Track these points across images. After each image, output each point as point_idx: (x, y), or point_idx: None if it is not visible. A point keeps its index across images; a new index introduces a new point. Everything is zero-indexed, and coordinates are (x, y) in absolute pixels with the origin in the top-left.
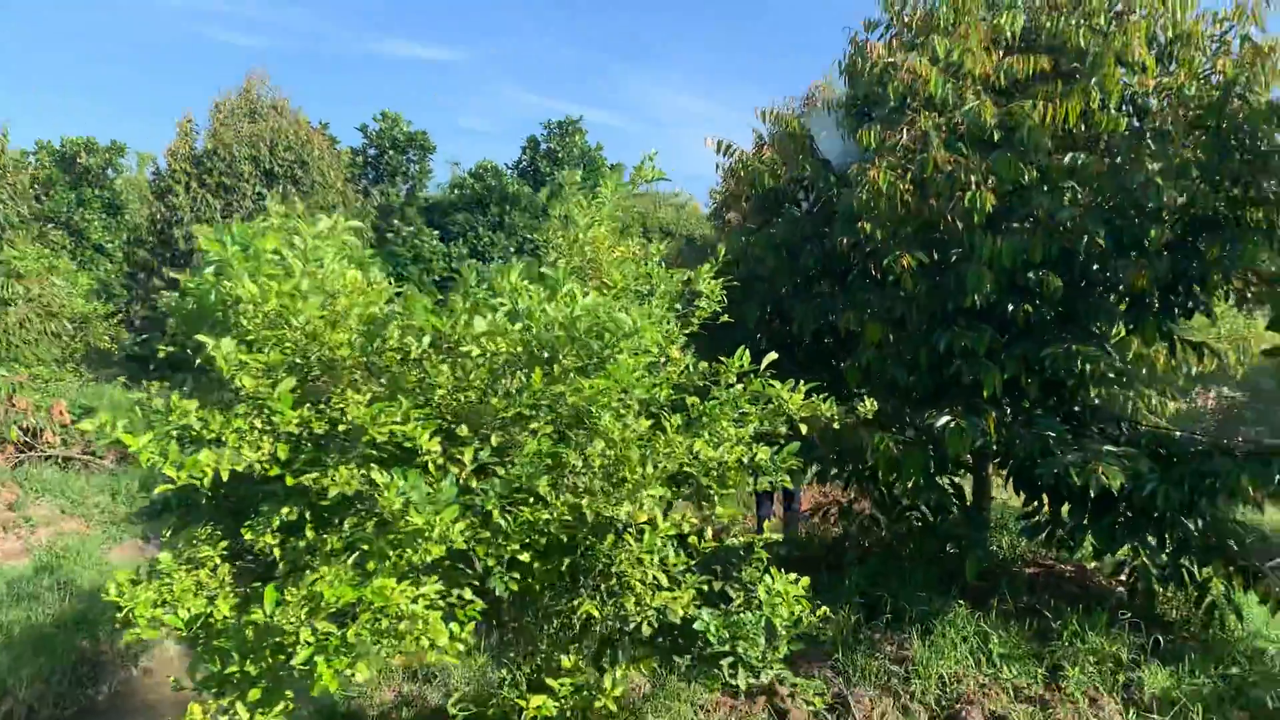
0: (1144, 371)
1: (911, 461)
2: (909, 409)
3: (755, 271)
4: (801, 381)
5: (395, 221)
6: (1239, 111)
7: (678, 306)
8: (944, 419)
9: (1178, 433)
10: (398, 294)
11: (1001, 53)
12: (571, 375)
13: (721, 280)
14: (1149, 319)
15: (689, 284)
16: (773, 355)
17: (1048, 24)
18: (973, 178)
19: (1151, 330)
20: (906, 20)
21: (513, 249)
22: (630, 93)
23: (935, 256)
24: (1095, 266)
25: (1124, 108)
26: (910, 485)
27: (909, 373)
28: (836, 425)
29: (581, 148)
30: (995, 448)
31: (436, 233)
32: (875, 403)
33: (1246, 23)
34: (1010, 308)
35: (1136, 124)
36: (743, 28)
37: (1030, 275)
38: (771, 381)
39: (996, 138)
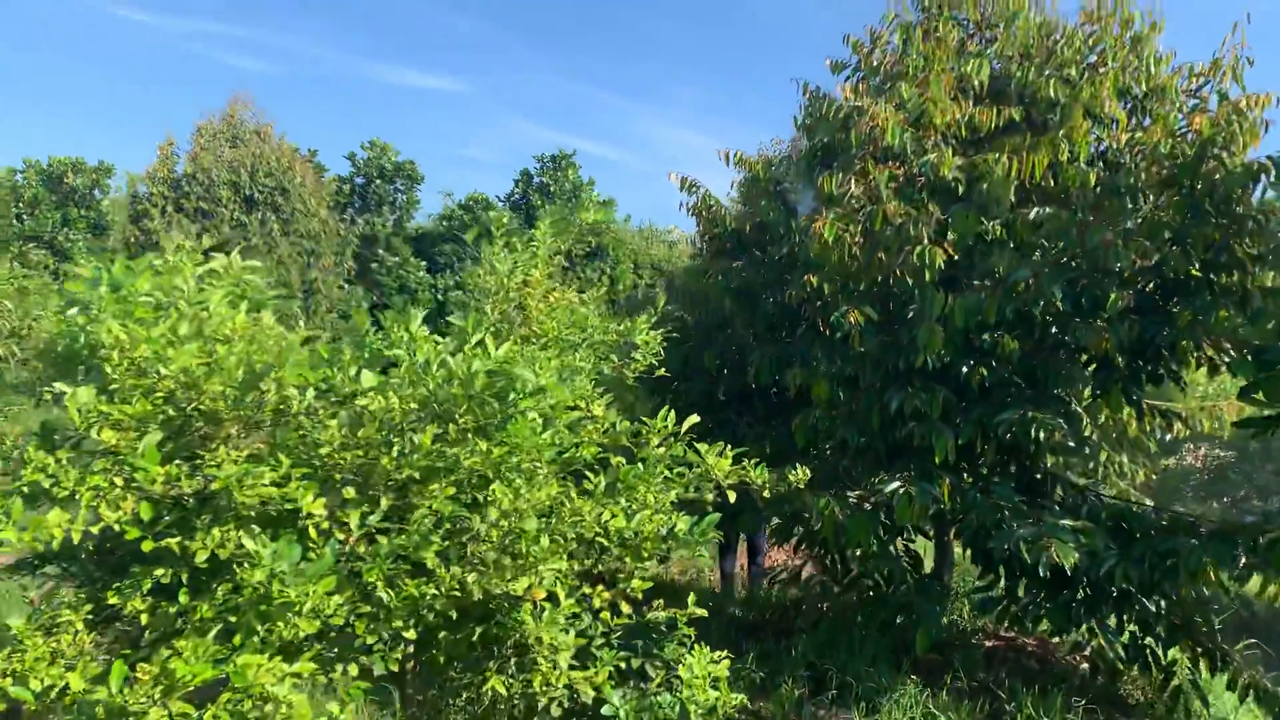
0: (1114, 436)
1: (859, 528)
2: (862, 471)
3: (715, 317)
4: (756, 433)
5: (380, 251)
6: (1214, 172)
7: (613, 358)
8: (894, 484)
9: (1147, 502)
10: (307, 340)
11: (970, 102)
12: (469, 436)
13: (663, 330)
14: (1115, 385)
15: (626, 334)
16: (694, 418)
17: (1018, 73)
18: (925, 231)
19: (1117, 397)
20: (875, 64)
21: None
22: (636, 128)
23: (889, 312)
24: (1054, 329)
25: (1095, 163)
26: (860, 552)
27: (860, 433)
28: (766, 493)
29: (573, 181)
30: (951, 515)
31: (424, 263)
32: (808, 471)
33: (1223, 79)
34: (965, 369)
35: (1107, 180)
36: (751, 66)
37: (986, 336)
38: (695, 445)
39: (960, 190)
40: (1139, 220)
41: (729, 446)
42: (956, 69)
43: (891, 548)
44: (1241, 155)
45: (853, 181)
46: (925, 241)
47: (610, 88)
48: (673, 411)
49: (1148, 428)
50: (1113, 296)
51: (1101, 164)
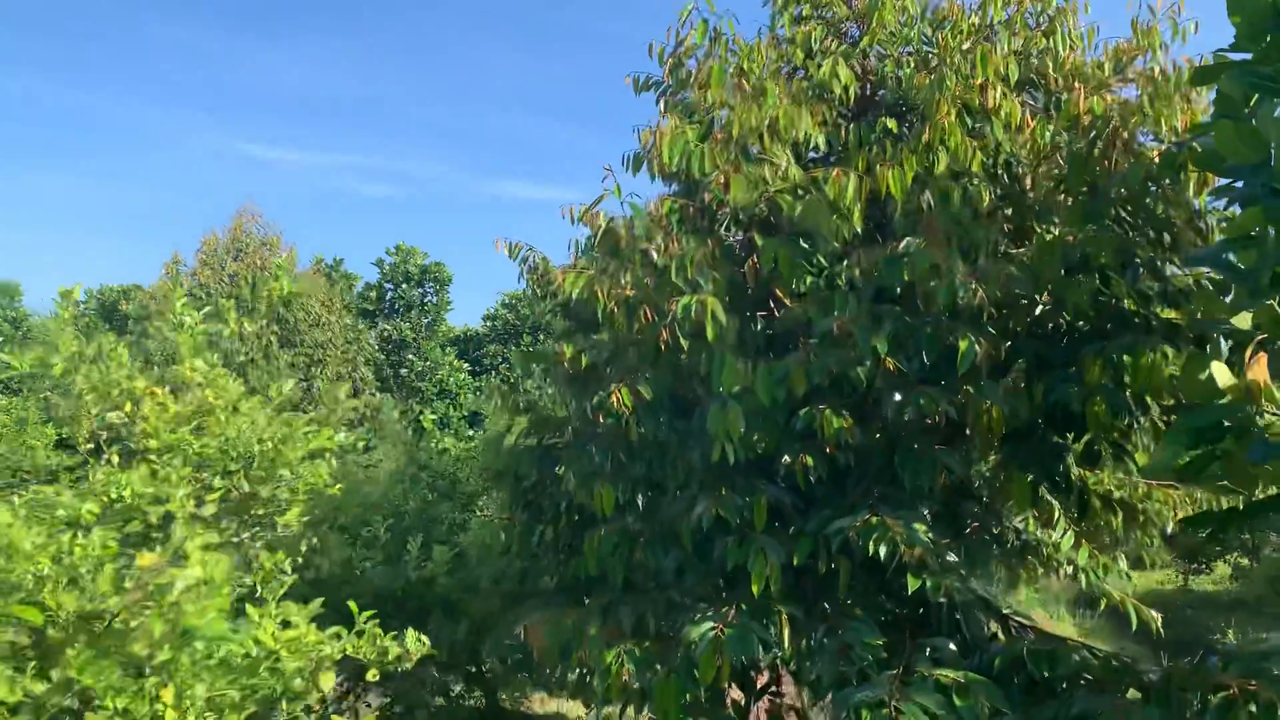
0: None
1: (666, 694)
2: (681, 607)
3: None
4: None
5: (410, 357)
6: (1118, 167)
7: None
8: (704, 626)
9: (1065, 641)
10: None
11: (834, 114)
12: None
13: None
14: (1014, 469)
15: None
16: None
17: (891, 71)
18: (713, 274)
19: (1020, 487)
20: (685, 77)
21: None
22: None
23: (685, 387)
24: (897, 396)
25: (999, 175)
26: None
27: (668, 553)
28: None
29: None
30: (787, 665)
31: (467, 365)
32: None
33: (1158, 55)
34: (787, 459)
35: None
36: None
37: (804, 413)
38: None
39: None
40: (1021, 243)
41: None
42: (809, 73)
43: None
44: (1157, 145)
45: (620, 226)
46: (705, 288)
47: None
48: None
49: (1101, 523)
50: (962, 347)
51: (1006, 176)
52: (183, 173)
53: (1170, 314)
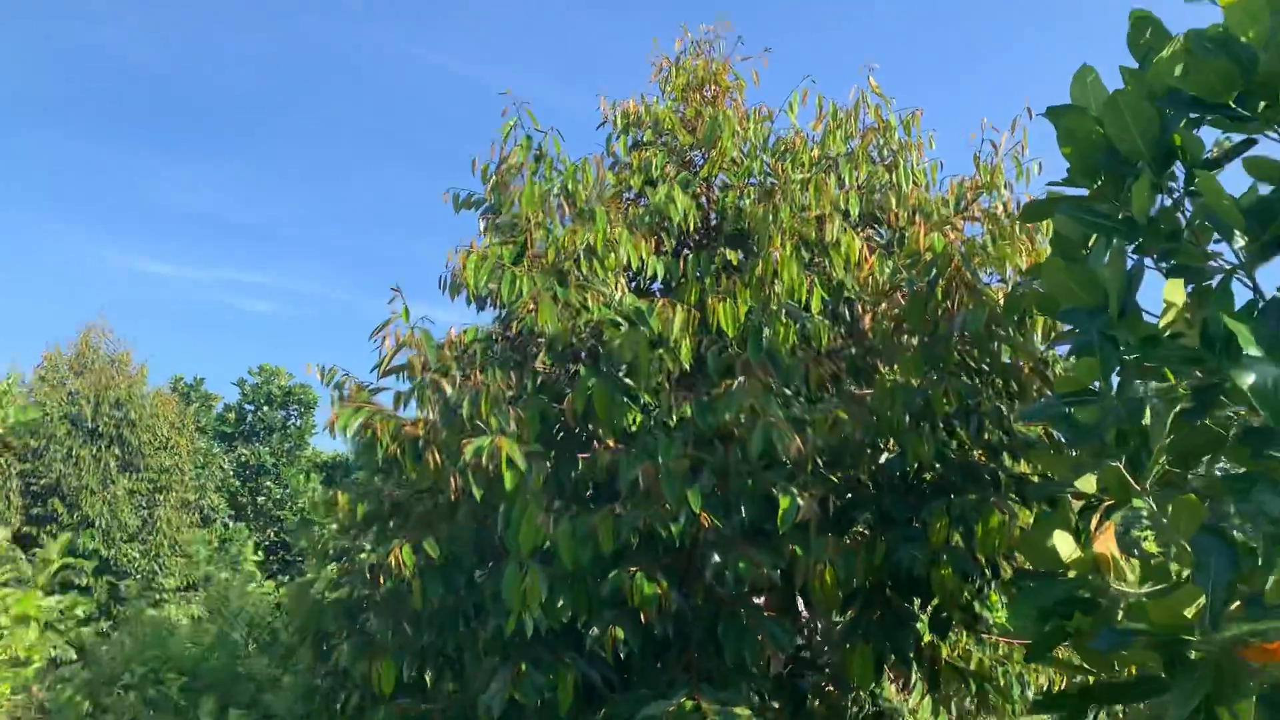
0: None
1: None
2: None
3: None
4: None
5: (268, 483)
6: (958, 308)
7: None
8: None
9: None
10: None
11: (674, 241)
12: None
13: None
14: (856, 637)
15: None
16: None
17: (732, 201)
18: (517, 413)
19: (863, 661)
20: (507, 196)
21: None
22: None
23: (481, 545)
24: (716, 557)
25: (841, 314)
26: None
27: None
28: None
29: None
30: None
31: (333, 492)
32: None
33: (1001, 192)
34: (596, 631)
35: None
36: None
37: (612, 577)
38: None
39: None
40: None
41: None
42: (651, 201)
43: None
44: (1001, 288)
45: (413, 359)
46: (512, 427)
47: None
48: None
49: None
50: (783, 504)
51: (849, 314)
52: (67, 286)
53: (1019, 467)
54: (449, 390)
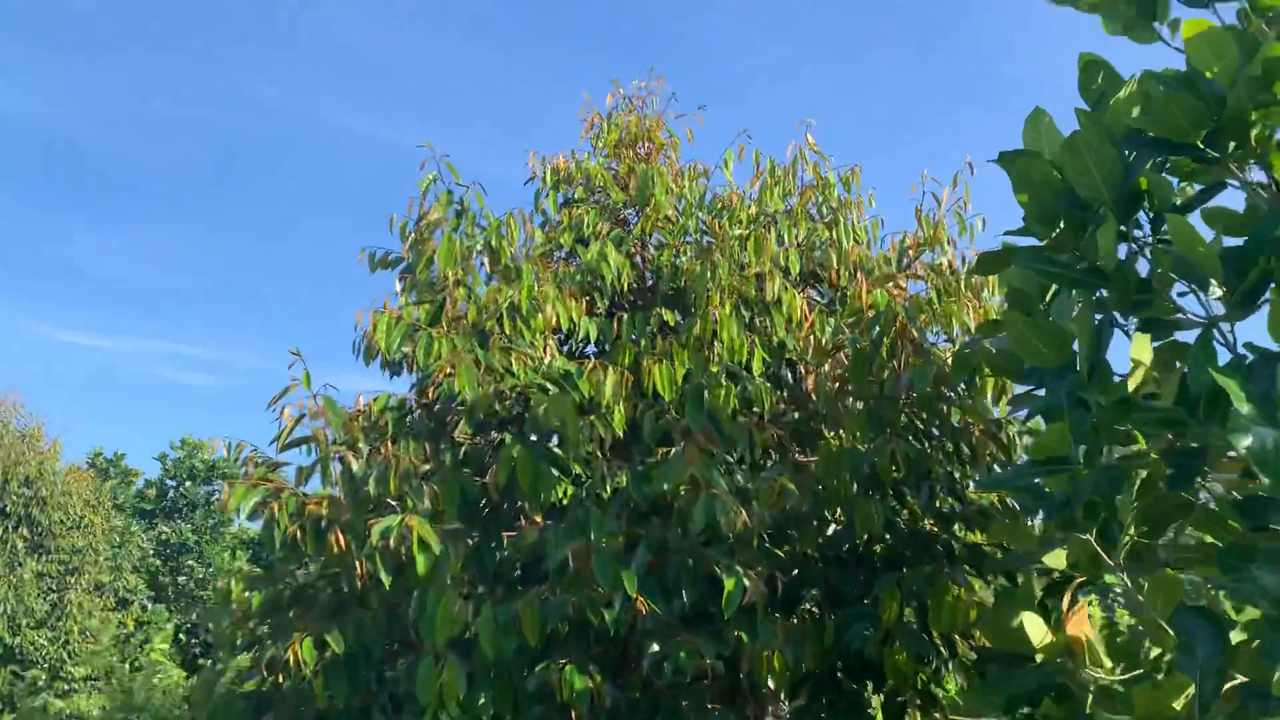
0: None
1: None
2: None
3: None
4: None
5: (190, 562)
6: (904, 368)
7: None
8: None
9: None
10: None
11: (608, 302)
12: None
13: None
14: None
15: None
16: None
17: (667, 261)
18: (431, 488)
19: None
20: (426, 254)
21: None
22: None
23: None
24: (655, 646)
25: (784, 376)
26: None
27: None
28: None
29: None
30: None
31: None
32: None
33: (945, 249)
34: None
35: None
36: None
37: (538, 670)
38: None
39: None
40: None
41: None
42: (582, 260)
43: None
44: (950, 346)
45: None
46: (425, 504)
47: None
48: None
49: None
50: (728, 585)
51: (791, 376)
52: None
53: (974, 537)
54: (355, 465)
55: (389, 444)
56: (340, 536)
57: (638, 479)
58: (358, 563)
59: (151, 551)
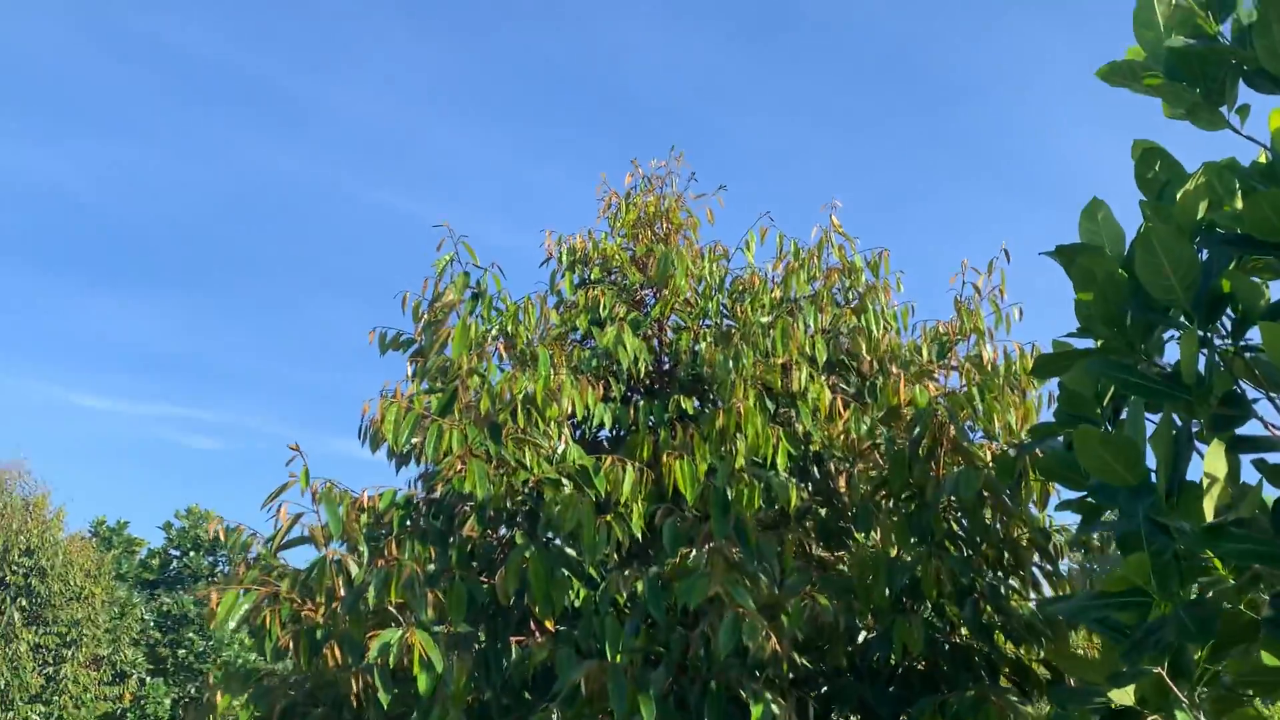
0: None
1: None
2: None
3: None
4: None
5: (190, 635)
6: (945, 470)
7: None
8: None
9: None
10: None
11: (624, 387)
12: None
13: None
14: None
15: None
16: None
17: (686, 346)
18: (435, 594)
19: None
20: (441, 337)
21: None
22: None
23: None
24: None
25: (810, 470)
26: None
27: None
28: None
29: None
30: None
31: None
32: None
33: (978, 337)
34: None
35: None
36: None
37: None
38: None
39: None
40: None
41: None
42: (599, 343)
43: None
44: (1004, 440)
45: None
46: (428, 614)
47: None
48: None
49: None
50: (755, 714)
51: (817, 472)
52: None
53: (1015, 649)
54: (354, 569)
55: (393, 545)
56: (336, 650)
57: (655, 592)
58: (353, 680)
59: (152, 623)
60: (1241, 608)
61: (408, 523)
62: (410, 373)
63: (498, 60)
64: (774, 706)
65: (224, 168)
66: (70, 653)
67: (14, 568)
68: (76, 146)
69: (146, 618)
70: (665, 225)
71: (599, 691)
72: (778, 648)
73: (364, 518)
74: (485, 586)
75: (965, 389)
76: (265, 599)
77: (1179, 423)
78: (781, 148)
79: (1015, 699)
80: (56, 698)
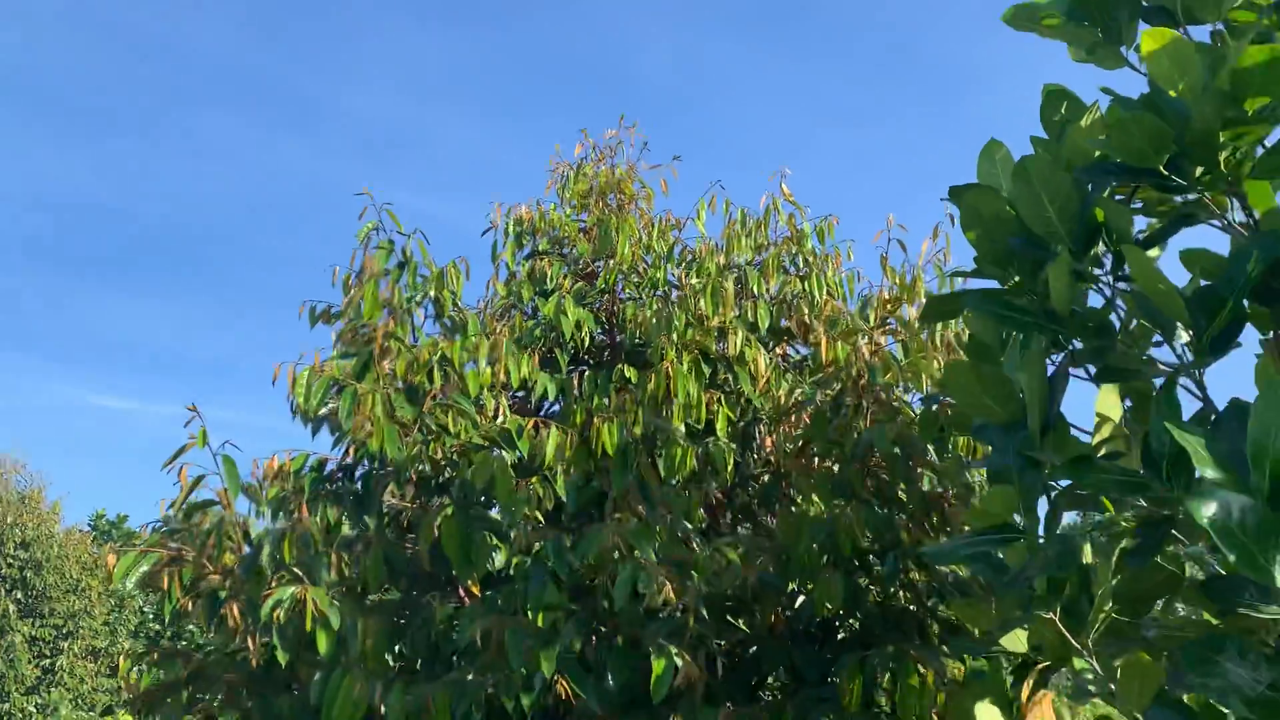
0: None
1: None
2: None
3: None
4: None
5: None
6: (870, 425)
7: None
8: None
9: None
10: None
11: (568, 358)
12: None
13: None
14: None
15: None
16: None
17: (631, 316)
18: (334, 559)
19: None
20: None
21: None
22: None
23: None
24: None
25: (752, 435)
26: None
27: None
28: None
29: None
30: None
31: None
32: None
33: (909, 299)
34: None
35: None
36: None
37: None
38: None
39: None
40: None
41: None
42: (542, 313)
43: None
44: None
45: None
46: (329, 576)
47: None
48: None
49: None
50: (656, 668)
51: (757, 437)
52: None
53: (950, 612)
54: (253, 532)
55: (304, 508)
56: (235, 611)
57: (559, 547)
58: (250, 640)
59: (151, 616)
60: (1161, 560)
61: (322, 488)
62: (335, 341)
63: (513, 54)
64: (678, 660)
65: (248, 168)
66: (66, 645)
67: (9, 560)
68: (96, 150)
69: (145, 610)
70: (618, 196)
71: (500, 647)
72: (671, 595)
73: (278, 483)
74: (409, 552)
75: (895, 346)
76: (169, 561)
77: (1058, 359)
78: (788, 141)
79: (945, 659)
80: (52, 690)
